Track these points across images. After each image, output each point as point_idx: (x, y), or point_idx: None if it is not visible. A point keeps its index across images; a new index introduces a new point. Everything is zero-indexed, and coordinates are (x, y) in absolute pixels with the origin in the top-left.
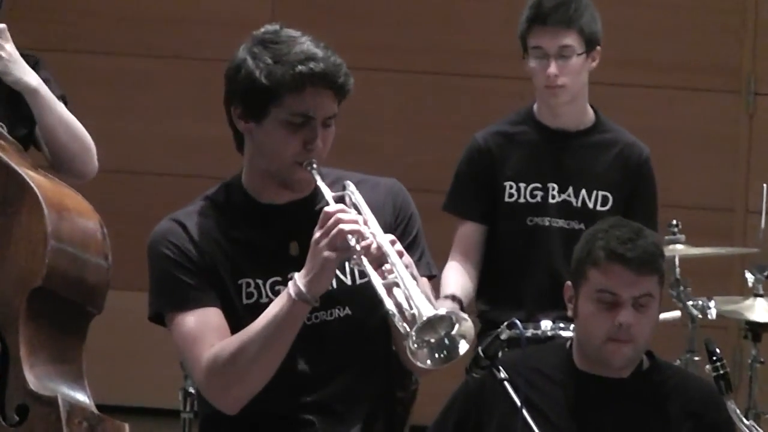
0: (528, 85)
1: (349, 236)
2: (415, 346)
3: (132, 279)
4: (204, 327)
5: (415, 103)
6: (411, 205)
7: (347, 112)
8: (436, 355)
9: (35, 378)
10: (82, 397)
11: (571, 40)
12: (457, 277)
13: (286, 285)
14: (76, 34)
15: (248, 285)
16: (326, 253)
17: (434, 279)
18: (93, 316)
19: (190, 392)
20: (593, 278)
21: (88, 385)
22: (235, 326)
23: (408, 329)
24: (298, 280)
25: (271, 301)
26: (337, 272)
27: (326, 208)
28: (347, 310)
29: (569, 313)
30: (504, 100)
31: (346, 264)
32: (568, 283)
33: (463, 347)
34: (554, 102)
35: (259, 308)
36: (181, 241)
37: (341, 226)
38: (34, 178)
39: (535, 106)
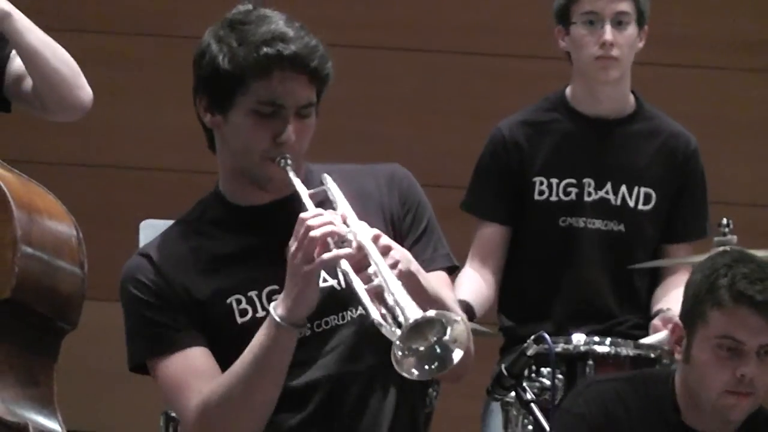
0: (558, 65)
1: (329, 240)
2: (401, 353)
3: (106, 288)
4: (188, 372)
5: (429, 86)
6: (418, 190)
7: (350, 98)
8: (426, 366)
9: (1, 402)
10: (53, 424)
11: (628, 6)
12: (470, 284)
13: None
14: (38, 8)
15: (239, 302)
16: (306, 268)
17: (456, 271)
18: (66, 332)
19: (173, 416)
20: (715, 322)
21: (59, 409)
22: (235, 350)
23: (397, 336)
24: (281, 302)
25: (268, 313)
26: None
27: (301, 215)
28: (360, 310)
29: (677, 356)
30: (534, 82)
31: None
32: (678, 322)
33: (458, 355)
34: (604, 77)
35: (257, 324)
36: (148, 276)
37: (312, 233)
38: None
39: (568, 90)
